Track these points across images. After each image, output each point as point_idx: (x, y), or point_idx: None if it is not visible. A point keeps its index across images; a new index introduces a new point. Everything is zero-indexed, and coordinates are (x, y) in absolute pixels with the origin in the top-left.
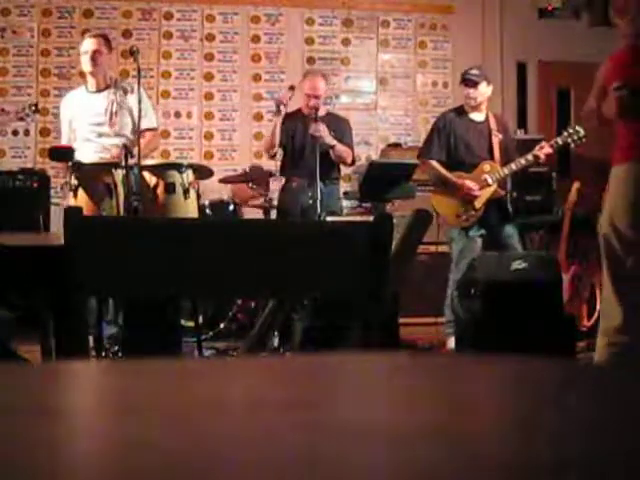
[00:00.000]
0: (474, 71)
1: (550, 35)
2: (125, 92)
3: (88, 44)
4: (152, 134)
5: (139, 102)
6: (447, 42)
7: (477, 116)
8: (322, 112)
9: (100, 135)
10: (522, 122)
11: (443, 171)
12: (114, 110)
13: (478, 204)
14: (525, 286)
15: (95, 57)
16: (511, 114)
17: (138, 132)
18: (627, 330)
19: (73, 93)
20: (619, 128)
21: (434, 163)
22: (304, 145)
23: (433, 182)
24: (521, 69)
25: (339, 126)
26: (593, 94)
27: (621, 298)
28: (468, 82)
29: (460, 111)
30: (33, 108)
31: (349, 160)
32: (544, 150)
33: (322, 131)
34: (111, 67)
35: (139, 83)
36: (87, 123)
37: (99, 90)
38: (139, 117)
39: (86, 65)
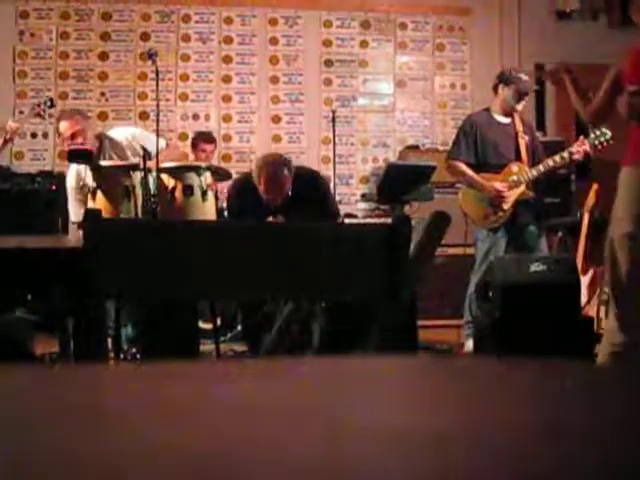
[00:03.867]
0: (530, 78)
1: (568, 37)
2: (115, 149)
3: (66, 128)
4: (167, 151)
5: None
6: (465, 44)
7: (503, 118)
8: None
9: None
10: (541, 124)
11: (471, 172)
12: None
13: (506, 205)
14: (543, 288)
15: (82, 141)
16: (529, 116)
17: (157, 154)
18: (625, 329)
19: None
20: (632, 129)
21: (461, 164)
22: None
23: (461, 183)
24: (539, 70)
25: (309, 200)
26: (603, 88)
27: (618, 299)
28: (529, 92)
29: (486, 113)
30: (49, 103)
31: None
32: (583, 147)
33: None
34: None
35: (157, 85)
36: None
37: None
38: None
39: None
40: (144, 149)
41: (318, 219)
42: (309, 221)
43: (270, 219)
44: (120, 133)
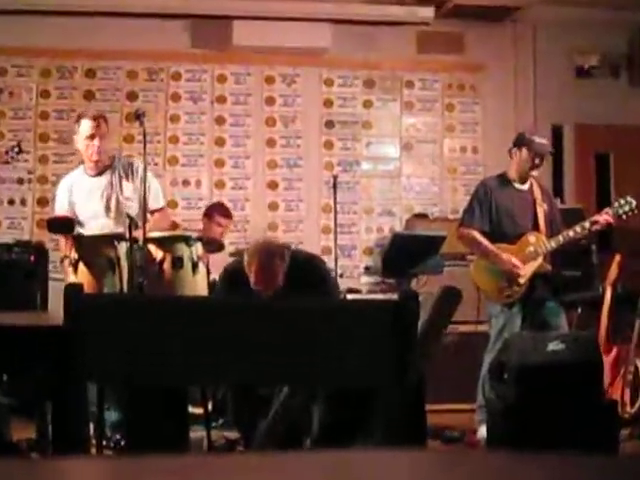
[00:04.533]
0: (546, 141)
1: (587, 96)
2: (127, 173)
3: (88, 127)
4: (160, 215)
5: (144, 180)
6: (476, 104)
7: (520, 184)
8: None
9: (101, 225)
10: (558, 190)
11: (485, 242)
12: (110, 194)
13: (522, 279)
14: (562, 369)
15: (99, 144)
16: (546, 181)
17: (144, 212)
18: None
19: (70, 177)
20: None
21: (475, 233)
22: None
23: (474, 254)
24: (557, 132)
25: (306, 287)
26: None
27: None
28: (545, 155)
29: (502, 178)
30: (17, 149)
31: None
32: (605, 217)
33: None
34: (110, 146)
35: (145, 148)
36: (87, 212)
37: (98, 174)
38: (144, 197)
39: (86, 150)
40: (130, 218)
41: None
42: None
43: None
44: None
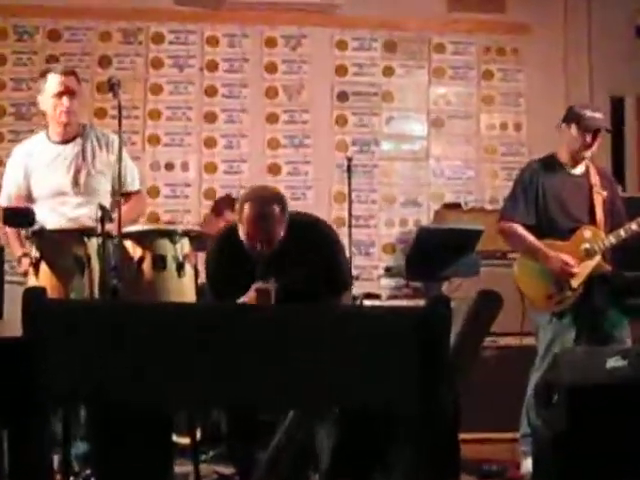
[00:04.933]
0: (600, 115)
1: None
2: (101, 144)
3: (56, 83)
4: (137, 198)
5: (119, 157)
6: (519, 71)
7: (574, 168)
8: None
9: (63, 204)
10: (619, 175)
11: (531, 238)
12: (80, 166)
13: (576, 282)
14: (624, 390)
15: (69, 104)
16: (604, 163)
17: (119, 194)
18: None
19: (30, 144)
20: None
21: (518, 227)
22: None
23: (517, 253)
24: (616, 106)
25: (309, 256)
26: None
27: None
28: (599, 130)
29: (552, 161)
30: None
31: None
32: None
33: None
34: (81, 111)
35: (120, 127)
36: (48, 187)
37: (65, 141)
38: (119, 176)
39: (53, 111)
40: (102, 208)
41: (320, 283)
42: (310, 286)
43: (258, 285)
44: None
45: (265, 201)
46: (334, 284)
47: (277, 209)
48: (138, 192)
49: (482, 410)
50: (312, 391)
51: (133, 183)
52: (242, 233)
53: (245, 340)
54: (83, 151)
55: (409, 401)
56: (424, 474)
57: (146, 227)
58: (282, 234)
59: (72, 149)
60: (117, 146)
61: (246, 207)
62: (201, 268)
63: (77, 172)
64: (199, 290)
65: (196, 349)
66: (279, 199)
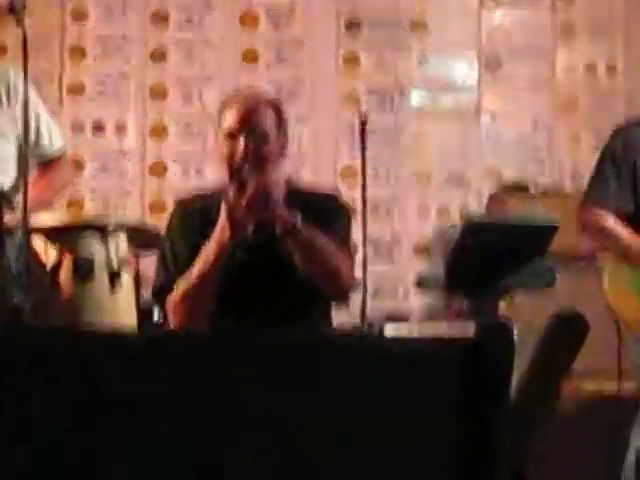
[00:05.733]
0: None
1: None
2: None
3: None
4: (58, 167)
5: (25, 105)
6: None
7: None
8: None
9: None
10: None
11: (626, 235)
12: None
13: None
14: None
15: None
16: None
17: (24, 162)
18: None
19: None
20: None
21: (610, 219)
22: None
23: (607, 254)
24: None
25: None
26: None
27: None
28: None
29: None
30: None
31: (345, 277)
32: None
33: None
34: None
35: (25, 65)
36: None
37: None
38: (26, 133)
39: None
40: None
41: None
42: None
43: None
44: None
45: (257, 100)
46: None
47: (272, 115)
48: (60, 158)
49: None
50: (313, 467)
51: (52, 145)
52: (221, 154)
53: (215, 390)
54: None
55: (452, 474)
56: None
57: (64, 219)
58: (280, 151)
59: None
60: (22, 89)
61: (228, 111)
62: (145, 279)
63: None
64: (141, 310)
65: (126, 408)
66: (276, 105)
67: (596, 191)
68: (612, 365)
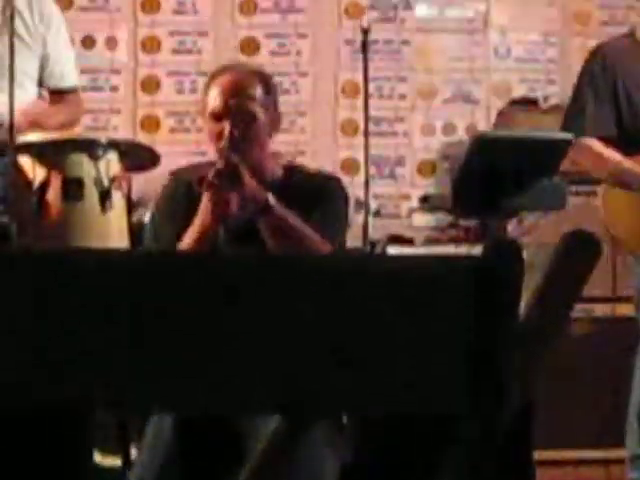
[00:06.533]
0: None
1: None
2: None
3: None
4: (70, 102)
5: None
6: None
7: None
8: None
9: None
10: None
11: (618, 158)
12: None
13: None
14: None
15: None
16: None
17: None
18: None
19: None
20: None
21: (595, 144)
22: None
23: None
24: None
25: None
26: None
27: None
28: None
29: (629, 40)
30: None
31: None
32: None
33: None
34: None
35: None
36: None
37: None
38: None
39: None
40: None
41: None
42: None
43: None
44: None
45: (242, 73)
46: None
47: (260, 90)
48: (70, 94)
49: (570, 416)
50: (312, 385)
51: (64, 76)
52: (208, 131)
53: (209, 305)
54: None
55: (458, 398)
56: None
57: (53, 136)
58: (267, 125)
59: None
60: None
61: (213, 85)
62: (137, 197)
63: None
64: (133, 230)
65: (131, 319)
66: (264, 77)
67: (576, 118)
68: (609, 289)
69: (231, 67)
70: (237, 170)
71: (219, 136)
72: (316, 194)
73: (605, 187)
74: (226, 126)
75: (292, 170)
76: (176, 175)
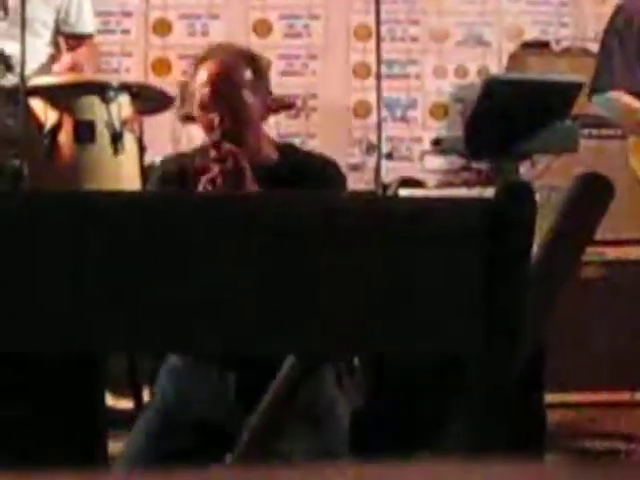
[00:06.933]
0: None
1: None
2: None
3: None
4: (87, 49)
5: None
6: None
7: None
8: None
9: None
10: None
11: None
12: None
13: None
14: None
15: None
16: None
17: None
18: None
19: None
20: None
21: (625, 97)
22: None
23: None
24: None
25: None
26: None
27: None
28: None
29: None
30: None
31: None
32: None
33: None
34: None
35: None
36: None
37: None
38: None
39: None
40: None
41: None
42: None
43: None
44: None
45: (229, 57)
46: None
47: (247, 71)
48: (86, 39)
49: (584, 357)
50: (326, 327)
51: (80, 22)
52: (198, 119)
53: (221, 247)
54: None
55: (470, 338)
56: (492, 445)
57: (64, 78)
58: (256, 113)
59: None
60: None
61: (199, 72)
62: (149, 140)
63: None
64: (144, 173)
65: (144, 263)
66: (251, 58)
67: (604, 76)
68: (636, 232)
69: (217, 51)
70: (242, 172)
71: (210, 126)
72: (315, 180)
73: (636, 139)
74: (215, 118)
75: (286, 151)
76: (165, 161)
